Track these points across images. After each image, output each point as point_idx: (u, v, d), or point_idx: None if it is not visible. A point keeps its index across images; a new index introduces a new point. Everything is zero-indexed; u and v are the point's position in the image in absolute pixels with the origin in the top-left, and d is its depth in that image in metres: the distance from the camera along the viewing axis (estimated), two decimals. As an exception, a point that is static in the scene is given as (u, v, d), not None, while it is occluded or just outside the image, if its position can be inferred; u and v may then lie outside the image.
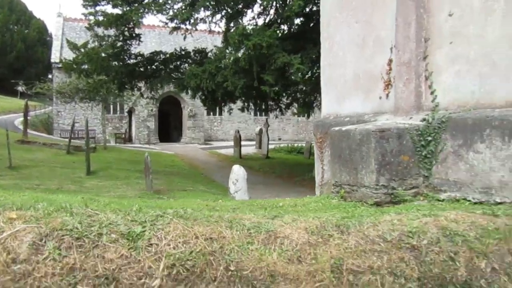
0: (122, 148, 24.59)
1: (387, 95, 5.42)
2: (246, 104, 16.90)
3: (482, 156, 4.08)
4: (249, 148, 27.20)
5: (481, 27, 4.26)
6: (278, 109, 18.43)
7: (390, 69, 5.37)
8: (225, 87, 11.25)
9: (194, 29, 12.51)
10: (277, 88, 13.78)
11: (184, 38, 12.80)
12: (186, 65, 14.00)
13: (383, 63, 5.44)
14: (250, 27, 11.22)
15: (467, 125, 4.23)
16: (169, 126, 33.28)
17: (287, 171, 17.57)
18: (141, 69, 14.40)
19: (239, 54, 11.11)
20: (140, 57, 14.21)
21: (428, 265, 2.83)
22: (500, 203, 3.89)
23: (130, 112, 31.51)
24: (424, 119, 4.68)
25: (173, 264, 2.39)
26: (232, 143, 31.49)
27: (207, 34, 16.50)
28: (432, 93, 4.81)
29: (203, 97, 14.91)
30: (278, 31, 11.84)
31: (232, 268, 2.49)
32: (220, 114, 35.72)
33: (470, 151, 4.19)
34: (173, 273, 2.37)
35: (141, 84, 15.59)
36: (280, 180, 16.23)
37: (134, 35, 14.26)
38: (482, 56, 4.25)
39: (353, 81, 6.13)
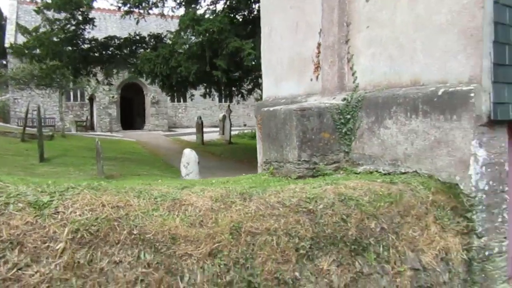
0: (82, 136, 24.17)
1: (317, 77, 5.73)
2: (208, 90, 16.99)
3: (390, 131, 4.46)
4: (213, 135, 27.31)
5: (391, 12, 4.60)
6: (240, 95, 18.61)
7: (319, 52, 5.68)
8: (179, 72, 11.32)
9: (147, 13, 12.43)
10: (236, 74, 13.95)
11: (137, 22, 12.71)
12: (142, 50, 13.91)
13: (313, 46, 5.74)
14: (201, 12, 11.31)
15: (378, 104, 4.59)
16: (132, 114, 32.84)
17: (248, 156, 17.85)
18: (96, 54, 14.19)
19: (193, 39, 11.18)
20: (94, 42, 14.00)
21: (322, 226, 3.16)
22: (404, 173, 4.29)
23: (91, 100, 30.87)
24: (344, 99, 5.02)
25: (77, 229, 2.59)
26: (191, 130, 31.65)
27: (173, 19, 16.35)
28: (353, 74, 5.16)
29: (160, 83, 14.89)
30: (232, 16, 11.95)
31: (135, 232, 2.72)
32: (185, 100, 35.52)
33: (381, 127, 4.57)
34: (77, 237, 2.58)
35: (97, 70, 15.37)
36: (240, 164, 16.50)
37: (87, 19, 14.01)
38: (392, 39, 4.60)
39: (289, 65, 6.41)
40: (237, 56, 10.88)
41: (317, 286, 3.01)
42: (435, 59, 4.12)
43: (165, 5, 12.27)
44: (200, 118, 23.60)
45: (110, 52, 14.22)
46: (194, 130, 30.93)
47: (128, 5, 12.25)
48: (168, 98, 31.49)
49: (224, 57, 10.80)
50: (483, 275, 3.79)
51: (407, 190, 3.73)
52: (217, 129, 29.23)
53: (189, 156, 9.55)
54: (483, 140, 3.74)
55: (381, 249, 3.31)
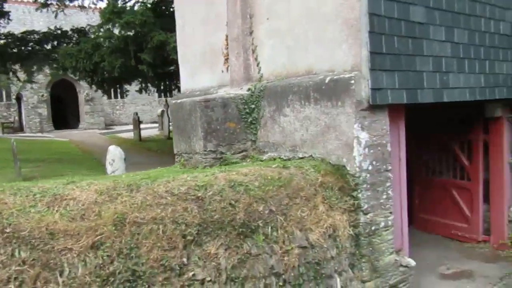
0: (7, 138, 22.70)
1: (227, 69, 5.83)
2: (143, 85, 16.59)
3: (288, 119, 4.67)
4: (152, 130, 26.73)
5: (287, 4, 4.79)
6: (177, 89, 18.35)
7: (227, 44, 5.78)
8: (102, 67, 10.98)
9: (63, 5, 11.87)
10: (172, 68, 13.70)
11: (55, 15, 12.12)
12: (65, 45, 13.29)
13: (223, 38, 5.83)
14: (131, 4, 10.99)
15: (278, 93, 4.78)
16: (65, 112, 31.27)
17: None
18: (14, 50, 13.35)
19: (116, 32, 10.88)
20: (10, 37, 13.16)
21: (210, 212, 3.28)
22: (302, 158, 4.52)
23: (19, 99, 29.00)
24: (249, 89, 5.17)
25: None
26: (128, 127, 30.77)
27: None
28: (257, 65, 5.31)
29: (89, 80, 14.33)
30: (156, 9, 11.74)
31: (8, 230, 2.67)
32: (122, 97, 34.30)
33: (281, 115, 4.77)
34: None
35: (17, 68, 14.47)
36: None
37: (2, 12, 13.13)
38: (288, 31, 4.80)
39: (202, 57, 6.46)
40: (163, 49, 10.73)
41: (205, 270, 3.13)
42: (325, 49, 4.36)
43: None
44: (137, 114, 23.02)
45: (30, 48, 13.45)
46: (132, 127, 30.26)
47: (44, -3, 11.63)
48: (106, 95, 30.37)
49: (149, 50, 10.62)
50: (370, 249, 4.11)
51: (298, 173, 3.95)
52: (157, 124, 28.67)
53: (114, 153, 9.32)
54: (365, 124, 4.03)
55: (269, 230, 3.49)
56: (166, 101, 25.97)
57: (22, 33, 13.26)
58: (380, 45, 4.02)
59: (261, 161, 4.92)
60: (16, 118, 29.14)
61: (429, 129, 7.05)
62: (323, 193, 3.91)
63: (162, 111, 27.03)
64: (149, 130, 26.41)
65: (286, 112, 4.69)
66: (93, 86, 14.56)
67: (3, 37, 13.13)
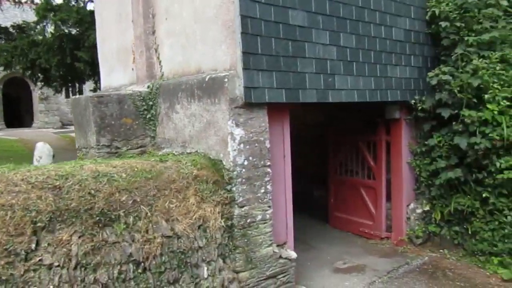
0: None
1: (136, 67, 5.94)
2: (97, 84, 16.38)
3: (179, 116, 4.82)
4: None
5: (180, 4, 4.95)
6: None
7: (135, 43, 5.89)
8: (38, 65, 10.83)
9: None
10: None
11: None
12: (3, 41, 12.99)
13: (132, 37, 5.94)
14: (57, 1, 10.87)
15: (170, 90, 4.93)
16: (19, 111, 30.35)
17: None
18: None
19: (51, 30, 10.76)
20: None
21: (66, 201, 3.36)
22: (190, 153, 4.67)
23: (-30, 96, 27.96)
24: (148, 87, 5.29)
25: None
26: None
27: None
28: (160, 63, 5.45)
29: (33, 78, 14.02)
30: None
31: None
32: (80, 94, 33.76)
33: (174, 112, 4.91)
34: None
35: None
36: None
37: None
38: (182, 30, 4.96)
39: (117, 55, 6.54)
40: (101, 48, 10.67)
41: (54, 256, 3.21)
42: (209, 49, 4.55)
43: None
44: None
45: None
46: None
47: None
48: (60, 94, 29.61)
49: (86, 49, 10.56)
50: (245, 240, 4.30)
51: (173, 167, 4.09)
52: None
53: (42, 150, 9.18)
54: (240, 121, 4.23)
55: (132, 219, 3.61)
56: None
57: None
58: (255, 46, 4.22)
59: (157, 156, 5.04)
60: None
61: (344, 130, 7.38)
62: (196, 186, 4.07)
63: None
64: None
65: (177, 109, 4.84)
66: (38, 83, 14.25)
67: None
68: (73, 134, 24.31)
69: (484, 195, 5.82)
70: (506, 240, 5.58)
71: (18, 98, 29.84)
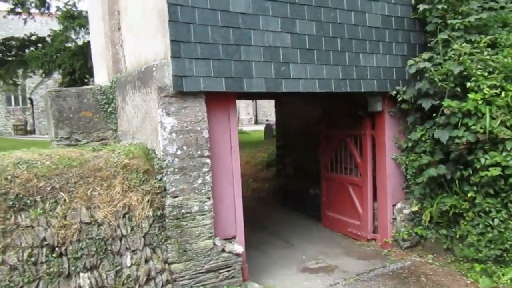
0: (13, 139, 24.07)
1: (106, 63, 6.11)
2: None
3: (129, 107, 4.88)
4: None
5: (133, 1, 5.02)
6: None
7: (110, 39, 6.06)
8: (64, 69, 11.59)
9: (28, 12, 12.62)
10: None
11: (25, 22, 12.90)
12: (32, 50, 13.97)
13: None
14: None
15: (122, 83, 5.01)
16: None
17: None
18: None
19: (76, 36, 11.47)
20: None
21: (-20, 185, 3.52)
22: (131, 144, 4.70)
23: (32, 103, 30.55)
24: (110, 81, 5.42)
25: None
26: None
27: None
28: (124, 58, 5.56)
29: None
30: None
31: None
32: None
33: (125, 104, 4.98)
34: None
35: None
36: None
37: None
38: (136, 25, 5.02)
39: (101, 53, 6.78)
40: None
41: (-39, 237, 3.36)
42: (150, 39, 4.56)
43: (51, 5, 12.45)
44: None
45: (13, 53, 14.25)
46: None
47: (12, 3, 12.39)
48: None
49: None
50: (179, 231, 4.22)
51: (104, 156, 4.14)
52: None
53: None
54: (171, 110, 4.18)
55: (48, 205, 3.68)
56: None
57: (3, 39, 14.11)
58: (187, 34, 4.15)
59: (114, 148, 5.13)
60: (27, 120, 30.62)
61: (335, 125, 7.05)
62: (125, 175, 4.07)
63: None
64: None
65: (127, 101, 4.90)
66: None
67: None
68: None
69: (469, 194, 5.26)
70: (492, 246, 4.98)
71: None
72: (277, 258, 5.88)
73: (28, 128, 30.26)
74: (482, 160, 4.95)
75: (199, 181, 4.34)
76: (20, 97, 31.21)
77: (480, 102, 5.01)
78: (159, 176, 4.17)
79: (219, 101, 4.55)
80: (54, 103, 5.03)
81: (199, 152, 4.33)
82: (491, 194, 5.06)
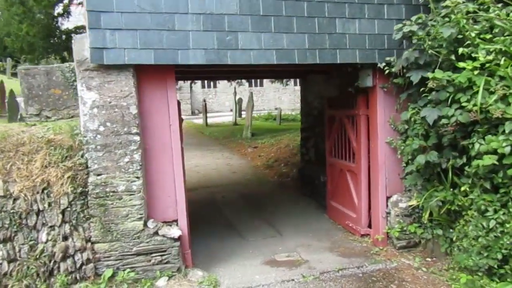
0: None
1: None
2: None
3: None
4: (229, 117, 28.02)
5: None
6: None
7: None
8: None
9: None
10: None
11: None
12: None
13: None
14: None
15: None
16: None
17: (226, 135, 18.34)
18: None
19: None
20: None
21: None
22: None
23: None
24: (80, 58, 5.43)
25: None
26: (223, 113, 32.69)
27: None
28: (97, 35, 5.52)
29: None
30: None
31: None
32: (215, 86, 36.66)
33: (81, 81, 4.94)
34: None
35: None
36: (210, 141, 17.14)
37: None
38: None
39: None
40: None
41: None
42: (85, 11, 4.40)
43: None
44: (205, 100, 24.52)
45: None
46: (221, 114, 32.13)
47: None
48: (198, 84, 33.04)
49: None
50: (102, 210, 4.08)
51: (31, 131, 4.15)
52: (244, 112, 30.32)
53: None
54: (93, 84, 4.00)
55: (-34, 177, 3.80)
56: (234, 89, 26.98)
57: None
58: (108, 3, 3.91)
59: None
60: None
61: (338, 103, 6.30)
62: (47, 150, 4.04)
63: (240, 99, 28.32)
64: (228, 117, 27.71)
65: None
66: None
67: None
68: (195, 121, 26.66)
69: (463, 188, 4.25)
70: (486, 253, 3.96)
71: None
72: (251, 248, 5.45)
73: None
74: (476, 146, 3.93)
75: (126, 160, 4.13)
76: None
77: (475, 72, 3.96)
78: (81, 153, 4.06)
79: (154, 75, 4.26)
80: (23, 80, 5.23)
81: (125, 129, 4.11)
82: (488, 189, 4.01)
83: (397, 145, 5.03)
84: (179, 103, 5.65)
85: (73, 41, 3.97)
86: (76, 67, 3.97)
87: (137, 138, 4.16)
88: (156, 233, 4.27)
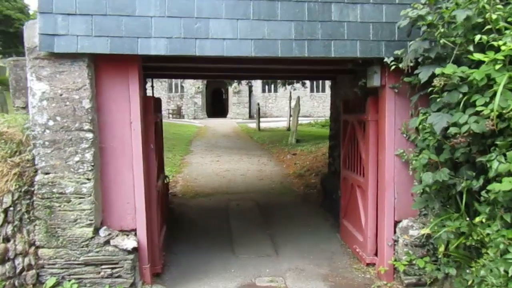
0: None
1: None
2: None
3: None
4: (284, 123, 27.43)
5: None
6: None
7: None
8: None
9: None
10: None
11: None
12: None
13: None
14: None
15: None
16: (221, 103, 35.07)
17: (274, 140, 17.75)
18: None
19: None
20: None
21: None
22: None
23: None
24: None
25: None
26: (280, 118, 32.10)
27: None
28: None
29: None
30: None
31: None
32: (275, 91, 36.15)
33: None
34: None
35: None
36: (254, 146, 16.65)
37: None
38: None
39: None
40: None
41: None
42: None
43: None
44: (258, 105, 24.23)
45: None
46: (278, 119, 31.59)
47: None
48: (258, 88, 33.00)
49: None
50: (48, 212, 3.71)
51: (-12, 123, 3.91)
52: (307, 119, 29.76)
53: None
54: (44, 74, 3.66)
55: None
56: (298, 98, 26.25)
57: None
58: (59, -16, 3.56)
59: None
60: (178, 106, 34.18)
61: (350, 108, 5.47)
62: (-2, 144, 3.77)
63: (296, 103, 27.63)
64: (283, 123, 27.15)
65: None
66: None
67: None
68: (250, 125, 26.47)
69: (477, 219, 3.28)
70: (502, 308, 2.97)
71: (221, 91, 34.54)
72: (236, 266, 4.81)
73: (182, 113, 33.90)
74: (495, 165, 2.98)
75: (76, 158, 3.73)
76: (179, 84, 35.04)
77: (496, 67, 3.00)
78: (29, 148, 3.73)
79: (114, 66, 3.82)
80: (12, 72, 5.09)
81: (76, 125, 3.72)
82: (510, 223, 3.01)
83: (409, 158, 4.11)
84: (157, 100, 5.23)
85: (24, 27, 3.67)
86: (26, 55, 3.65)
87: (90, 135, 3.74)
88: (107, 243, 3.82)
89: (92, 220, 3.77)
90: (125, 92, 3.88)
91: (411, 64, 3.75)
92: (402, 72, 3.93)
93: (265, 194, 8.45)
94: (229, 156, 13.53)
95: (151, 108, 4.27)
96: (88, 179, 3.75)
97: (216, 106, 34.73)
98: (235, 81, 25.50)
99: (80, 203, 3.75)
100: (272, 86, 35.36)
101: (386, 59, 3.93)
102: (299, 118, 28.64)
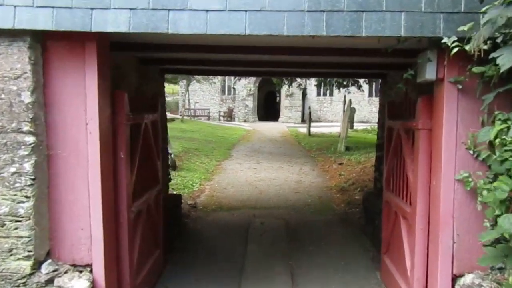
0: (206, 123, 26.90)
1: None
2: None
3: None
4: (337, 128, 25.87)
5: None
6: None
7: None
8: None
9: None
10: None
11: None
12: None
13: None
14: None
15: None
16: (274, 106, 33.99)
17: (322, 147, 16.42)
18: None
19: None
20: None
21: None
22: None
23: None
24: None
25: None
26: (334, 123, 30.39)
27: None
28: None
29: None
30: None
31: None
32: (331, 95, 34.43)
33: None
34: None
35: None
36: (299, 153, 15.47)
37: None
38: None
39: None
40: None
41: None
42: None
43: None
44: (309, 108, 22.99)
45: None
46: (335, 124, 29.95)
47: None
48: (313, 91, 31.75)
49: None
50: (-23, 237, 2.86)
51: None
52: (364, 124, 28.10)
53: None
54: (-24, 58, 2.82)
55: None
56: (349, 101, 24.57)
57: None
58: None
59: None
60: (229, 108, 33.62)
61: (395, 112, 4.18)
62: None
63: (353, 108, 25.96)
64: (336, 128, 25.64)
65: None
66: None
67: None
68: (300, 129, 25.26)
69: None
70: None
71: (275, 94, 33.57)
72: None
73: (233, 115, 33.34)
74: None
75: (12, 169, 2.84)
76: (231, 86, 34.53)
77: None
78: (-45, 154, 2.91)
79: (66, 49, 2.91)
80: None
81: (13, 125, 2.83)
82: None
83: (477, 187, 2.79)
84: (154, 97, 4.30)
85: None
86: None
87: (30, 138, 2.84)
88: (50, 282, 2.90)
89: (30, 252, 2.87)
90: (79, 82, 2.94)
91: (485, 47, 2.46)
92: (469, 58, 2.64)
93: (298, 211, 7.26)
94: (269, 163, 12.44)
95: (123, 105, 3.31)
96: (26, 196, 2.85)
97: (269, 109, 33.81)
98: (286, 83, 24.42)
99: (16, 228, 2.86)
100: (328, 89, 33.80)
101: (445, 39, 2.65)
102: (355, 124, 27.04)
